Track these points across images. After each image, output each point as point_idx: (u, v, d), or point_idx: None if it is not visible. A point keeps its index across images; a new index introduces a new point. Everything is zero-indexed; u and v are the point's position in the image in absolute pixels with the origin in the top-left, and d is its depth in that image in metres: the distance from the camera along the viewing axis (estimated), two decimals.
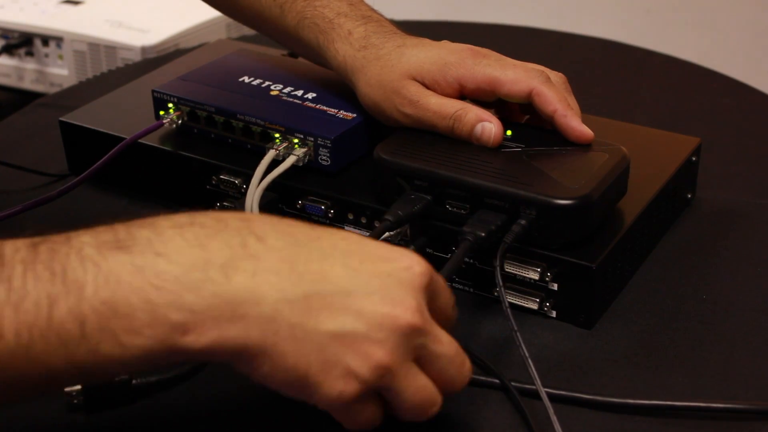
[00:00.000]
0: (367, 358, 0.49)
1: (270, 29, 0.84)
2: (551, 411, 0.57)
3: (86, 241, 0.48)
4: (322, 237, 0.52)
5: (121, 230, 0.49)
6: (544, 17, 1.80)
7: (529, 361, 0.59)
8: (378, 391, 0.51)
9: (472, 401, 0.62)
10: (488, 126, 0.72)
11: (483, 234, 0.66)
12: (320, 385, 0.49)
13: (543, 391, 0.58)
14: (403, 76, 0.74)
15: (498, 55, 0.75)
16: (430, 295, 0.53)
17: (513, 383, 0.62)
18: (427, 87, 0.74)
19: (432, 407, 0.53)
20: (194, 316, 0.47)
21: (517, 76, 0.72)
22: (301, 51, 0.84)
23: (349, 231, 0.52)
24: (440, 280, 0.54)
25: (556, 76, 0.75)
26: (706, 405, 0.60)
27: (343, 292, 0.49)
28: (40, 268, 0.47)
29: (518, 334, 0.60)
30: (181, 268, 0.48)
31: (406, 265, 0.52)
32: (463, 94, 0.74)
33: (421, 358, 0.52)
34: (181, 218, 0.50)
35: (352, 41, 0.77)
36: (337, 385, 0.49)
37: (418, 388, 0.52)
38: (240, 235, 0.49)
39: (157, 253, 0.48)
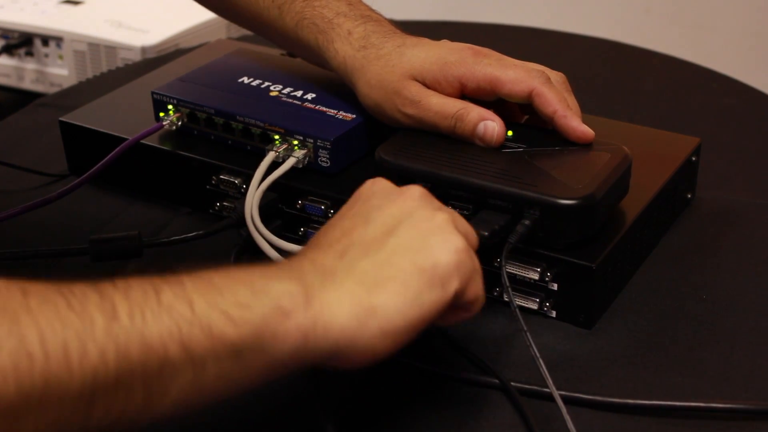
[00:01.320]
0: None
1: (268, 31, 0.84)
2: (564, 410, 0.57)
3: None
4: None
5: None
6: (544, 17, 1.80)
7: (541, 361, 0.59)
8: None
9: (472, 401, 0.62)
10: (491, 125, 0.72)
11: (486, 233, 0.66)
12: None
13: (556, 393, 0.58)
14: (403, 76, 0.74)
15: (498, 54, 0.75)
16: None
17: (512, 383, 0.62)
18: (428, 86, 0.74)
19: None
20: (292, 283, 0.49)
21: (518, 76, 0.72)
22: (300, 52, 0.84)
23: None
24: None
25: (557, 76, 0.75)
26: (706, 405, 0.60)
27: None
28: (137, 277, 0.47)
29: (528, 334, 0.60)
30: (261, 267, 0.51)
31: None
32: (464, 93, 0.74)
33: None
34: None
35: (351, 41, 0.77)
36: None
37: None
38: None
39: (237, 267, 0.51)
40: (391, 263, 0.52)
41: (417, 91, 0.73)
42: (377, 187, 0.58)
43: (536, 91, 0.71)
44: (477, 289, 0.56)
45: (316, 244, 0.55)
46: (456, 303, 0.54)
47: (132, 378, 0.44)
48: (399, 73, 0.74)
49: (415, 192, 0.57)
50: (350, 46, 0.76)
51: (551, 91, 0.71)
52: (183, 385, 0.46)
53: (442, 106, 0.73)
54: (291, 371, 0.49)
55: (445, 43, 0.76)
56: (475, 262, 0.56)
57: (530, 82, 0.72)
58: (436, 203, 0.57)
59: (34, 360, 0.42)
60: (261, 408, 0.61)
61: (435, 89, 0.74)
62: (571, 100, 0.74)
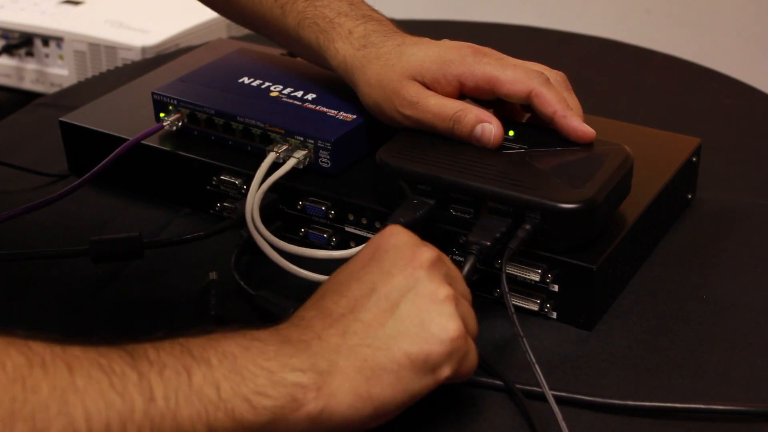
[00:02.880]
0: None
1: (270, 30, 0.84)
2: (559, 416, 0.57)
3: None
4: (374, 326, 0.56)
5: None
6: (544, 17, 1.79)
7: (537, 367, 0.59)
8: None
9: (474, 403, 0.62)
10: (488, 127, 0.72)
11: (488, 243, 0.66)
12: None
13: (550, 395, 0.58)
14: (403, 75, 0.74)
15: (498, 53, 0.75)
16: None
17: (516, 386, 0.62)
18: (428, 86, 0.74)
19: None
20: (305, 374, 0.53)
21: (517, 76, 0.72)
22: (301, 52, 0.84)
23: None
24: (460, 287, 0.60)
25: (556, 75, 0.75)
26: (706, 407, 0.60)
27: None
28: (167, 346, 0.51)
29: (524, 340, 0.60)
30: (276, 344, 0.54)
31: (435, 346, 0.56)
32: (463, 92, 0.74)
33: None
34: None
35: (352, 40, 0.76)
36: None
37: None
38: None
39: (254, 337, 0.54)
40: (387, 352, 0.55)
41: (415, 91, 0.73)
42: (393, 243, 0.59)
43: (535, 92, 0.71)
44: (469, 366, 0.58)
45: (326, 311, 0.57)
46: (448, 380, 0.57)
47: None
48: (398, 73, 0.74)
49: (425, 259, 0.58)
50: (350, 46, 0.76)
51: (550, 92, 0.71)
52: None
53: (440, 108, 0.73)
54: None
55: (445, 42, 0.76)
56: (470, 344, 0.58)
57: (529, 82, 0.71)
58: (444, 271, 0.59)
59: None
60: None
61: (434, 88, 0.74)
62: (572, 99, 0.74)
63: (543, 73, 0.72)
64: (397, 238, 0.59)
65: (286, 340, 0.54)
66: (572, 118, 0.71)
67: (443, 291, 0.57)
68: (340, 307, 0.56)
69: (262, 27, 0.85)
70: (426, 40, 0.76)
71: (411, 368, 0.55)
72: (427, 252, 0.58)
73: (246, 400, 0.50)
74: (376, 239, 0.60)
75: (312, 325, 0.56)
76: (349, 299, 0.57)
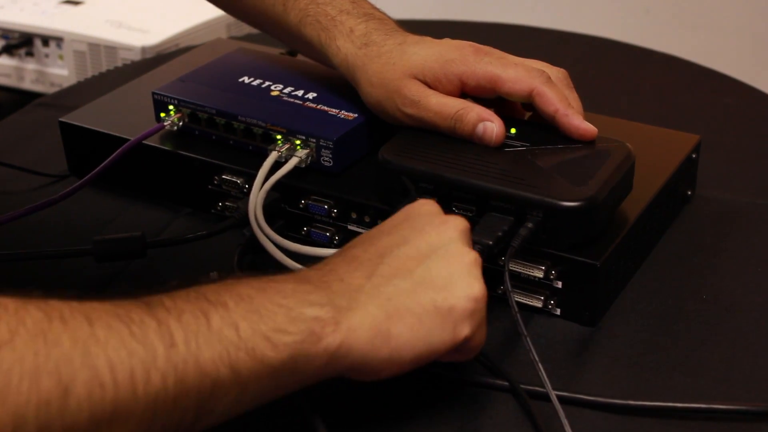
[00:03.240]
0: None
1: (273, 27, 0.84)
2: (563, 416, 0.57)
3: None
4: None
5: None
6: (544, 17, 1.80)
7: (540, 366, 0.59)
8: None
9: (477, 401, 0.62)
10: (490, 125, 0.72)
11: (491, 242, 0.66)
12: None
13: (554, 395, 0.58)
14: (404, 74, 0.74)
15: (500, 52, 0.75)
16: None
17: (520, 385, 0.62)
18: (429, 85, 0.74)
19: None
20: (323, 308, 0.53)
21: (518, 75, 0.72)
22: (303, 49, 0.84)
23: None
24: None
25: (557, 72, 0.75)
26: (707, 406, 0.60)
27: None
28: (182, 294, 0.51)
29: (528, 339, 0.60)
30: (294, 282, 0.54)
31: (462, 297, 0.56)
32: (464, 91, 0.74)
33: None
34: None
35: (353, 39, 0.77)
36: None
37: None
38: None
39: (270, 279, 0.54)
40: (413, 295, 0.55)
41: (417, 90, 0.73)
42: (425, 209, 0.61)
43: (537, 91, 0.71)
44: (481, 337, 0.58)
45: (352, 257, 0.57)
46: (459, 346, 0.57)
47: (188, 399, 0.48)
48: (399, 72, 0.74)
49: (458, 223, 0.59)
50: (352, 44, 0.76)
51: (552, 90, 0.72)
52: (227, 403, 0.50)
53: (442, 107, 0.73)
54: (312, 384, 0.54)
55: (446, 41, 0.76)
56: (485, 315, 0.58)
57: (530, 81, 0.72)
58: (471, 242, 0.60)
59: (106, 389, 0.45)
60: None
61: (435, 87, 0.74)
62: (573, 97, 0.74)
63: (544, 72, 0.73)
64: (429, 206, 0.61)
65: (305, 279, 0.55)
66: (574, 117, 0.72)
67: (473, 255, 0.58)
68: (368, 254, 0.57)
69: (263, 24, 0.85)
70: (427, 39, 0.76)
71: (435, 315, 0.55)
72: (460, 220, 0.60)
73: (266, 338, 0.50)
74: (407, 208, 0.61)
75: (335, 268, 0.56)
76: (378, 247, 0.57)
